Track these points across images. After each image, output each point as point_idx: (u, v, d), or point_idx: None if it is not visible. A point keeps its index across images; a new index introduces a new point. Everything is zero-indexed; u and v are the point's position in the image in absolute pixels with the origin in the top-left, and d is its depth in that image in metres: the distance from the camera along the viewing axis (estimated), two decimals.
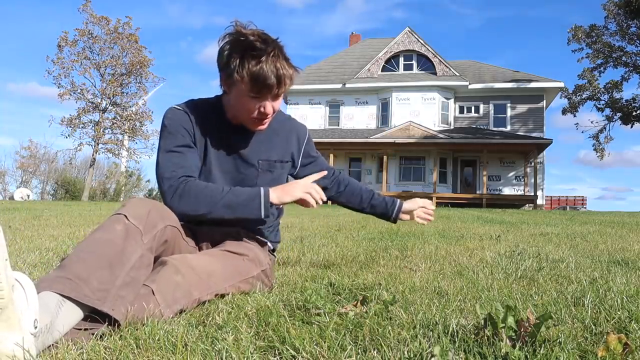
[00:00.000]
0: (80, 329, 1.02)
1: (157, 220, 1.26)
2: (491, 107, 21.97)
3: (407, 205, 1.89)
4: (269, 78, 1.34)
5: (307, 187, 1.49)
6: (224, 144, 1.55)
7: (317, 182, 1.64)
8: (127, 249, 1.14)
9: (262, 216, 1.44)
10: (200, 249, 1.56)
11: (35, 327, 0.91)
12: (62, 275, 1.03)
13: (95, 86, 24.95)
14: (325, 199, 1.55)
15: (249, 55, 1.33)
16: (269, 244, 1.67)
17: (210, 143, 1.54)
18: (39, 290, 0.97)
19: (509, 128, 21.62)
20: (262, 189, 1.45)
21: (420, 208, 1.91)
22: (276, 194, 1.46)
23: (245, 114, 1.45)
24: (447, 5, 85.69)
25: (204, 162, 1.55)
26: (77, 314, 1.02)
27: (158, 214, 1.28)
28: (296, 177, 1.73)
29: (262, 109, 1.42)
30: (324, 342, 0.96)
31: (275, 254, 1.78)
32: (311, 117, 22.85)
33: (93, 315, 1.04)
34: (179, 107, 1.52)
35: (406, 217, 1.89)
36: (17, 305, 0.88)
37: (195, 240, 1.55)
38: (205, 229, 1.58)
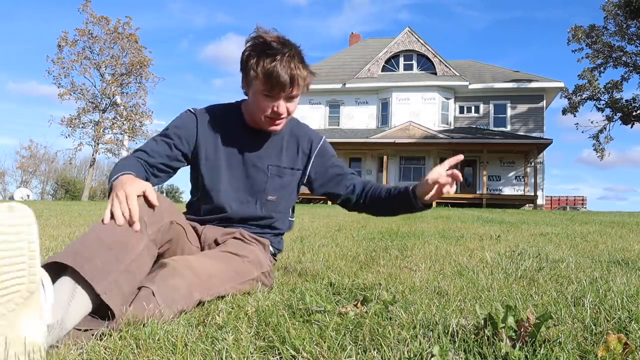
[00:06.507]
0: (80, 330, 1.02)
1: (163, 214, 1.28)
2: (491, 107, 21.96)
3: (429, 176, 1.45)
4: (281, 76, 1.38)
5: (122, 195, 1.21)
6: (236, 148, 1.59)
7: (329, 190, 1.67)
8: (132, 239, 1.15)
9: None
10: (202, 249, 1.56)
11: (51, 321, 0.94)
12: (65, 251, 1.07)
13: (95, 86, 24.95)
14: (132, 215, 1.19)
15: (265, 54, 1.40)
16: (270, 247, 1.67)
17: (222, 146, 1.58)
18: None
19: (509, 128, 21.62)
20: (125, 172, 1.33)
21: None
22: (118, 182, 1.27)
23: (259, 113, 1.49)
24: (452, 7, 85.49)
25: (215, 165, 1.57)
26: (85, 308, 1.04)
27: (164, 209, 1.29)
28: (312, 187, 1.71)
29: (275, 109, 1.46)
30: (324, 342, 0.96)
31: (276, 258, 1.79)
32: (311, 117, 22.83)
33: (93, 316, 1.05)
34: (192, 111, 1.59)
35: (430, 191, 1.46)
36: (41, 294, 0.92)
37: (198, 240, 1.56)
38: (207, 230, 1.59)
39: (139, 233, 1.18)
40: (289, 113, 1.51)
